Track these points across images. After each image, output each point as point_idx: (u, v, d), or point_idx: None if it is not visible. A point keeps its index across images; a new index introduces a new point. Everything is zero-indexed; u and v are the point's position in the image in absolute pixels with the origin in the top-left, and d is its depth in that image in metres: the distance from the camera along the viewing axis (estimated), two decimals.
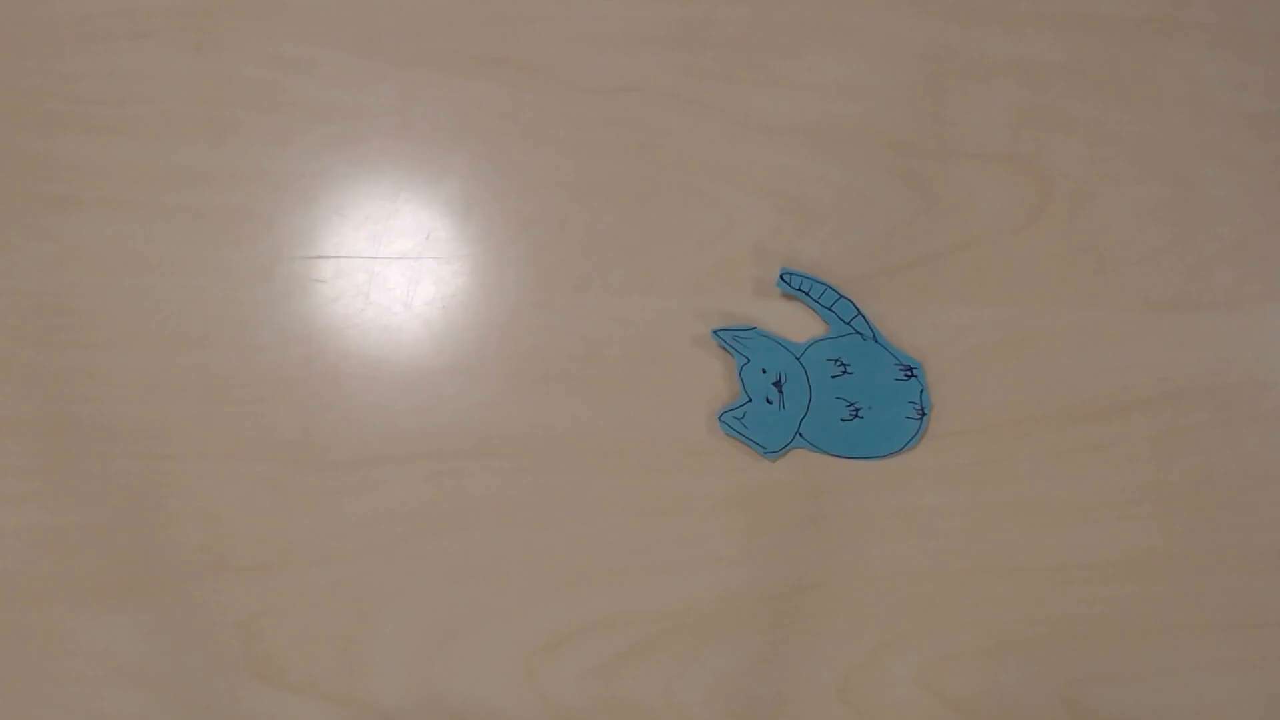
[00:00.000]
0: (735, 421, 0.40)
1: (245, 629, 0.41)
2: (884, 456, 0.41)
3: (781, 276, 0.41)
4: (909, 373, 0.40)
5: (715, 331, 0.41)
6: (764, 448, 0.40)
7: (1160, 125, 0.42)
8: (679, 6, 0.42)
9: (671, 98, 0.42)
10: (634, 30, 0.42)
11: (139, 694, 0.41)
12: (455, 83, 0.42)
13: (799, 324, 0.41)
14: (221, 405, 0.41)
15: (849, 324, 0.40)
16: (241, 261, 0.41)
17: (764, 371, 0.40)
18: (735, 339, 0.40)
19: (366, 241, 0.42)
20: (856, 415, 0.40)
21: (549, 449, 0.41)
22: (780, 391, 0.40)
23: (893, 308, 0.41)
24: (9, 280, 0.41)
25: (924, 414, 0.41)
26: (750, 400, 0.40)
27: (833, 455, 0.41)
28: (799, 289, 0.40)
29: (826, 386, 0.40)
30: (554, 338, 0.41)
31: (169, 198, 0.41)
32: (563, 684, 0.41)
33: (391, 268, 0.42)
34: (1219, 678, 0.41)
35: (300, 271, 0.42)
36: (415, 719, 0.41)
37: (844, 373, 0.41)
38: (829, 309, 0.41)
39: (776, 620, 0.41)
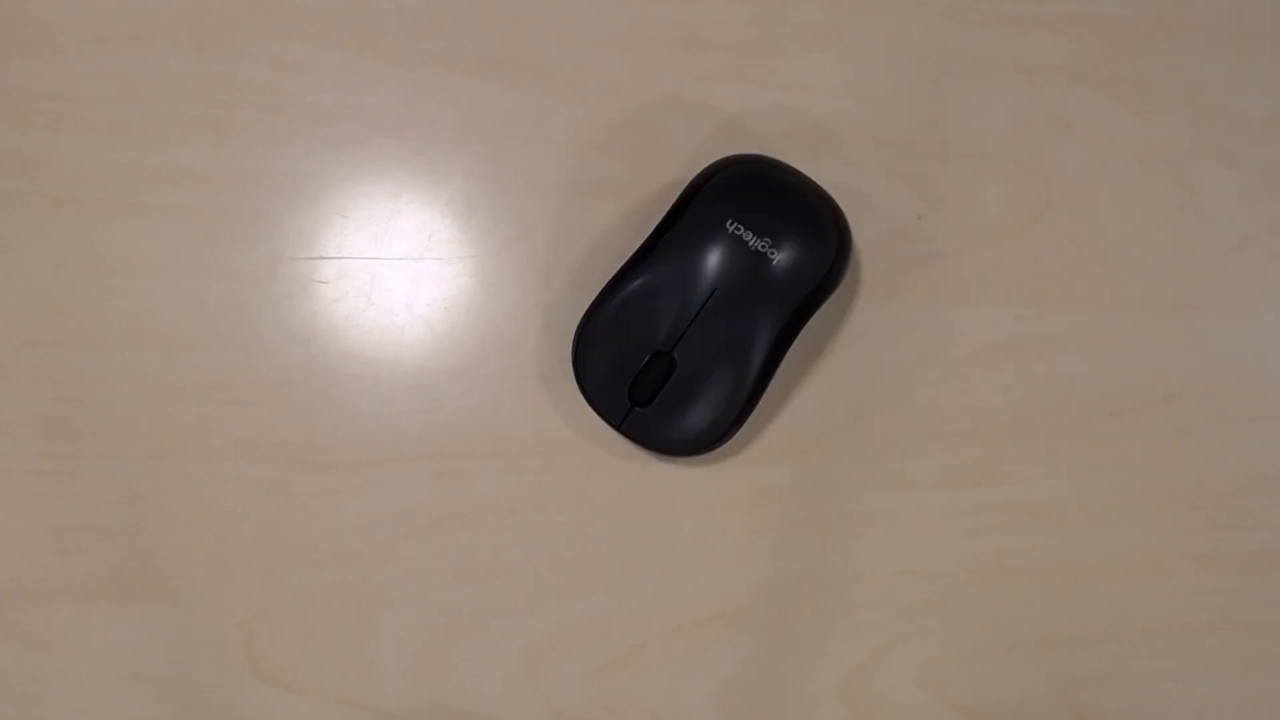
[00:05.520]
0: None
1: (246, 629, 0.41)
2: None
3: None
4: None
5: None
6: None
7: (1160, 126, 0.42)
8: (680, 7, 0.42)
9: (673, 98, 0.42)
10: (635, 30, 0.42)
11: (139, 694, 0.41)
12: (457, 83, 0.42)
13: None
14: (222, 406, 0.41)
15: None
16: (242, 262, 0.41)
17: None
18: None
19: (368, 243, 0.42)
20: None
21: (550, 450, 0.41)
22: None
23: (893, 308, 0.41)
24: (9, 280, 0.41)
25: None
26: None
27: None
28: None
29: None
30: (556, 339, 0.41)
31: (169, 198, 0.41)
32: (563, 684, 0.41)
33: (394, 269, 0.42)
34: (1219, 678, 0.41)
35: (302, 273, 0.41)
36: (416, 719, 0.41)
37: None
38: None
39: (776, 620, 0.41)
